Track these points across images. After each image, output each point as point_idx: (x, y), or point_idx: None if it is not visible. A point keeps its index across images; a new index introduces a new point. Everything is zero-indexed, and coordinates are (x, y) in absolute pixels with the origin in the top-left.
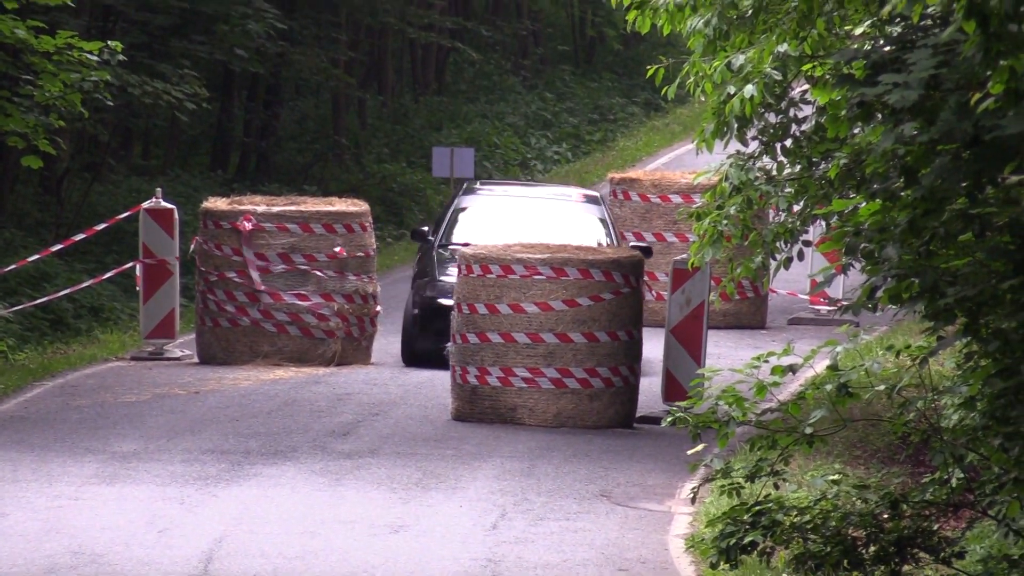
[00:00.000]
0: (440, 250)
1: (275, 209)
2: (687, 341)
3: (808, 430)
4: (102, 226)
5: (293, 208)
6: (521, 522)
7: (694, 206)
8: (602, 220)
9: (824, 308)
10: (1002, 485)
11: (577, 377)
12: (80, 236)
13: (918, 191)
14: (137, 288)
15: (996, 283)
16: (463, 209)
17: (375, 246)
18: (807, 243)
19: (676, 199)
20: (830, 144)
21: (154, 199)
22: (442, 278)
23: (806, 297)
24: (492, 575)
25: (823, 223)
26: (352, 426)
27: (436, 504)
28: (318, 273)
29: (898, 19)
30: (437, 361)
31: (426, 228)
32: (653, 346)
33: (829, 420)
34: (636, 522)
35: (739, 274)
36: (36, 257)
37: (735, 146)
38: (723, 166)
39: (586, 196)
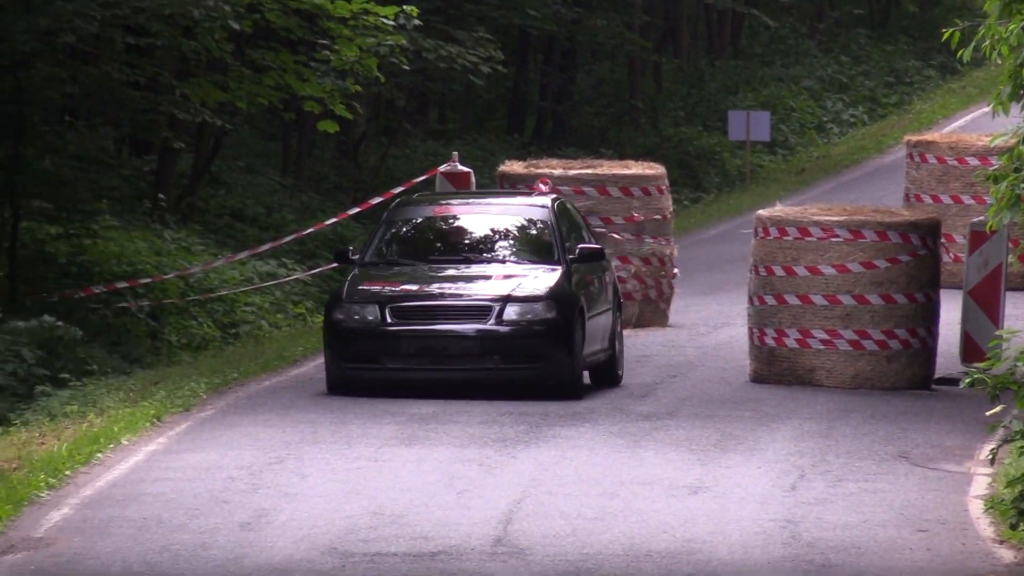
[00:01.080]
0: (361, 269)
1: (572, 172)
2: (985, 303)
3: None
4: (399, 189)
5: (589, 171)
6: (820, 483)
7: (991, 169)
8: (545, 223)
9: None
10: None
11: (875, 339)
12: (377, 199)
13: None
14: None
15: None
16: (391, 226)
17: (672, 209)
18: None
19: (973, 162)
20: None
21: (450, 163)
22: (350, 299)
23: None
24: (791, 536)
25: None
26: (651, 388)
27: (735, 465)
28: (615, 236)
29: None
30: (360, 389)
31: (351, 248)
32: (950, 308)
33: None
34: (935, 483)
35: None
36: (333, 220)
37: None
38: (1020, 129)
39: (529, 203)
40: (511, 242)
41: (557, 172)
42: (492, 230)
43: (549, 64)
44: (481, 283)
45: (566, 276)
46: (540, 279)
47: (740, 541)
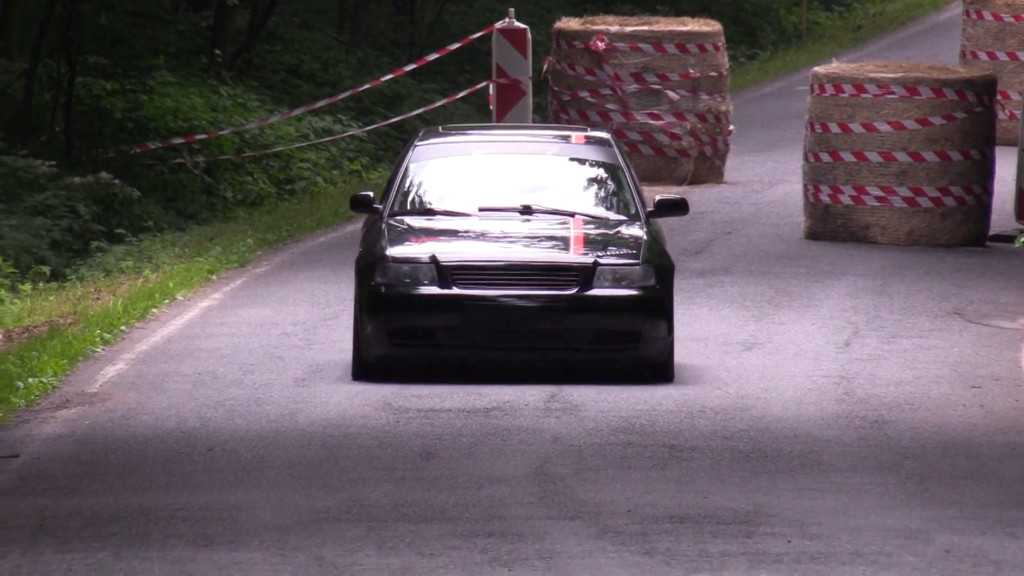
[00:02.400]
0: (392, 221)
1: (628, 29)
2: None
3: None
4: (455, 46)
5: (646, 28)
6: (873, 340)
7: None
8: (613, 167)
9: None
10: None
11: (929, 196)
12: (433, 56)
13: None
14: (490, 107)
15: None
16: (420, 166)
17: (727, 66)
18: None
19: None
20: None
21: (507, 19)
22: (394, 255)
23: None
24: (844, 392)
25: None
26: (705, 245)
27: (788, 322)
28: (670, 93)
29: None
30: (395, 374)
31: (370, 193)
32: (1005, 165)
33: None
34: (989, 339)
35: None
36: (389, 77)
37: None
38: None
39: (589, 139)
40: (576, 189)
41: (613, 29)
42: (551, 174)
43: None
44: (558, 241)
45: (652, 234)
46: (627, 238)
47: (793, 397)
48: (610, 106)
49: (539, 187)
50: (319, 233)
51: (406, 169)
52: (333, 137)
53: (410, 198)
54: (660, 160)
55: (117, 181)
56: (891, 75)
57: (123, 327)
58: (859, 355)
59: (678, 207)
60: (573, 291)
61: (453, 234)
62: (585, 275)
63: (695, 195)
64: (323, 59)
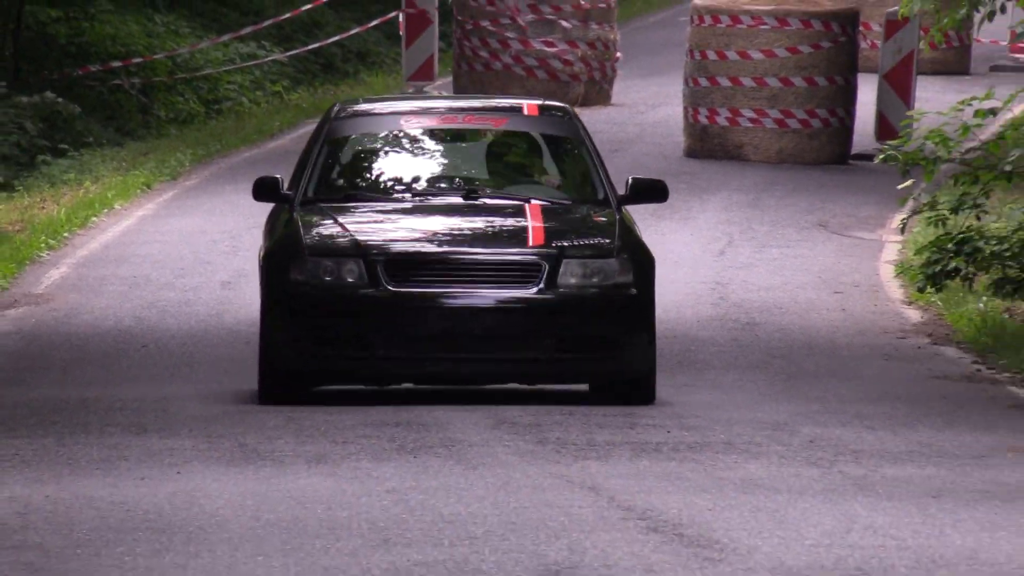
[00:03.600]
0: (306, 209)
1: None
2: (898, 86)
3: (1008, 167)
4: None
5: None
6: (746, 249)
7: None
8: (574, 142)
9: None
10: None
11: (798, 118)
12: None
13: None
14: (400, 34)
15: None
16: (339, 144)
17: None
18: None
19: None
20: None
21: None
22: (312, 247)
23: (1007, 45)
24: (719, 297)
25: None
26: None
27: (669, 233)
28: (563, 23)
29: None
30: (310, 393)
31: (277, 177)
32: (866, 91)
33: None
34: (850, 249)
35: (946, 24)
36: (308, 7)
37: None
38: None
39: (543, 109)
40: (531, 169)
41: None
42: (498, 151)
43: None
44: (513, 230)
45: (625, 222)
46: (596, 226)
47: (673, 301)
48: (509, 35)
49: (485, 167)
50: (244, 149)
51: (321, 148)
52: (257, 62)
53: (327, 182)
54: (554, 84)
55: (61, 100)
56: (764, 8)
57: (66, 234)
58: (733, 263)
59: (656, 192)
60: (534, 289)
61: (384, 223)
62: (549, 270)
63: (585, 116)
64: None
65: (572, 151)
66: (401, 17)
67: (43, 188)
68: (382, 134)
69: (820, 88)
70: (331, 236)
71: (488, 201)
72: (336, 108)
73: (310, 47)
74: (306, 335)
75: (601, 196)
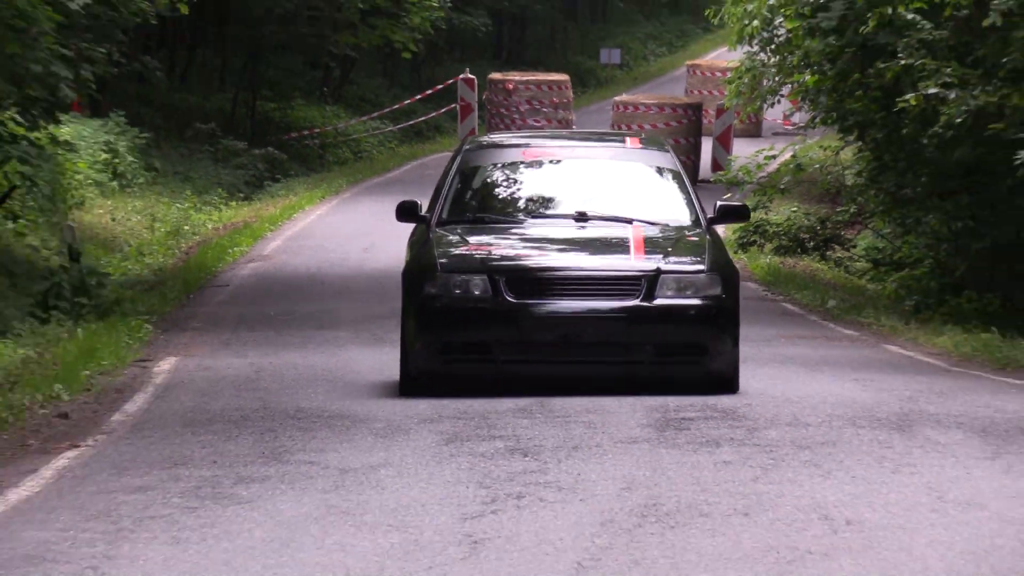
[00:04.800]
0: (441, 230)
1: (523, 77)
2: (723, 143)
3: (781, 187)
4: (441, 86)
5: (532, 77)
6: None
7: (726, 77)
8: (670, 171)
9: (791, 127)
10: (874, 214)
11: None
12: (429, 91)
13: (835, 70)
14: (456, 115)
15: (874, 113)
16: (469, 173)
17: (571, 96)
18: (781, 95)
19: (719, 74)
20: (792, 47)
21: (466, 72)
22: (445, 265)
23: (781, 122)
24: None
25: (789, 86)
26: None
27: None
28: (544, 110)
29: None
30: (440, 388)
31: (416, 201)
32: (707, 146)
33: (793, 181)
34: None
35: (748, 110)
36: (408, 102)
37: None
38: (743, 59)
39: (643, 142)
40: (632, 194)
41: (516, 77)
42: (607, 180)
43: None
44: (617, 249)
45: (714, 241)
46: (689, 244)
47: None
48: (515, 116)
49: (593, 192)
50: (373, 178)
51: (454, 176)
52: (381, 131)
53: (459, 206)
54: None
55: (276, 152)
56: (651, 101)
57: (281, 222)
58: None
59: (740, 213)
60: (635, 301)
61: (506, 243)
62: (648, 284)
63: None
64: (375, 92)
65: (667, 178)
66: (457, 107)
67: (267, 199)
68: (505, 163)
69: (681, 144)
70: (460, 255)
71: (596, 223)
72: (467, 141)
73: (409, 123)
74: (437, 342)
75: (693, 218)
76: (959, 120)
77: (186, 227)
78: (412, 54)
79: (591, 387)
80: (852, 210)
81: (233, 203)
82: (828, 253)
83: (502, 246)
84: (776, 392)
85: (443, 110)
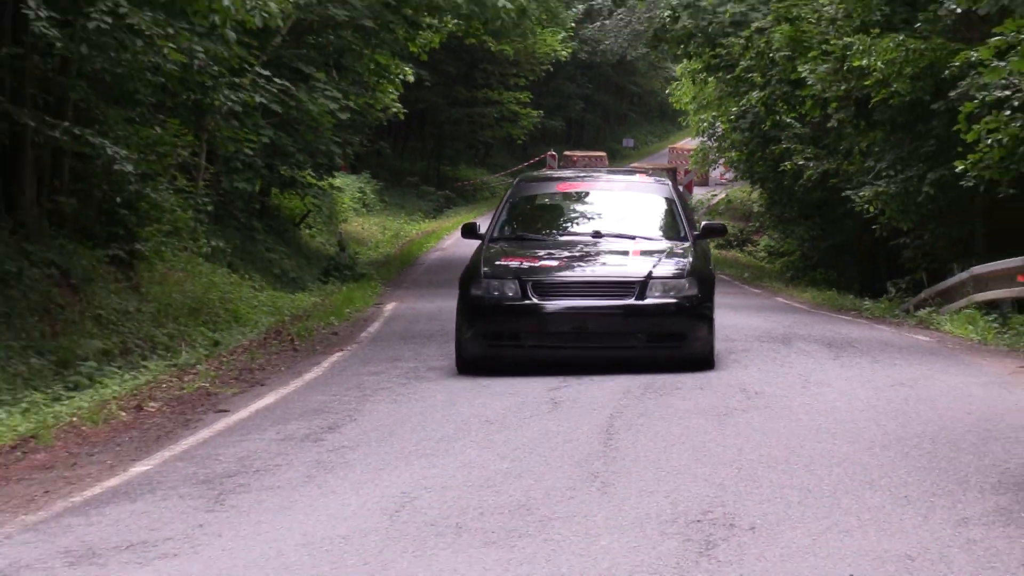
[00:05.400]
0: (490, 245)
1: (581, 153)
2: (689, 189)
3: (720, 211)
4: (530, 161)
5: (586, 153)
6: None
7: (691, 152)
8: (667, 199)
9: (724, 180)
10: (768, 227)
11: None
12: (522, 165)
13: (748, 150)
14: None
15: (769, 172)
16: (516, 201)
17: (607, 163)
18: (719, 163)
19: (687, 151)
20: (725, 137)
21: (552, 153)
22: (487, 272)
23: (719, 177)
24: None
25: (723, 158)
26: None
27: None
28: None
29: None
30: (488, 368)
31: (476, 222)
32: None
33: (727, 209)
34: None
35: (701, 171)
36: (501, 174)
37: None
38: (698, 144)
39: (649, 177)
40: (638, 217)
41: (578, 153)
42: (618, 206)
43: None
44: (620, 259)
45: (697, 252)
46: (676, 256)
47: None
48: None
49: (608, 215)
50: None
51: (505, 203)
52: (505, 181)
53: (506, 226)
54: None
55: (450, 192)
56: (650, 166)
57: (453, 230)
58: None
59: (718, 231)
60: (630, 300)
61: (535, 255)
62: (640, 287)
63: None
64: (502, 161)
65: (664, 205)
66: (545, 169)
67: (444, 218)
68: (544, 193)
69: None
70: (500, 265)
71: (608, 239)
72: (519, 179)
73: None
74: (480, 331)
75: (682, 235)
76: (815, 177)
77: (401, 233)
78: (523, 141)
79: (599, 368)
80: (756, 225)
81: (426, 220)
82: (745, 248)
83: (532, 258)
84: (717, 323)
85: (524, 164)
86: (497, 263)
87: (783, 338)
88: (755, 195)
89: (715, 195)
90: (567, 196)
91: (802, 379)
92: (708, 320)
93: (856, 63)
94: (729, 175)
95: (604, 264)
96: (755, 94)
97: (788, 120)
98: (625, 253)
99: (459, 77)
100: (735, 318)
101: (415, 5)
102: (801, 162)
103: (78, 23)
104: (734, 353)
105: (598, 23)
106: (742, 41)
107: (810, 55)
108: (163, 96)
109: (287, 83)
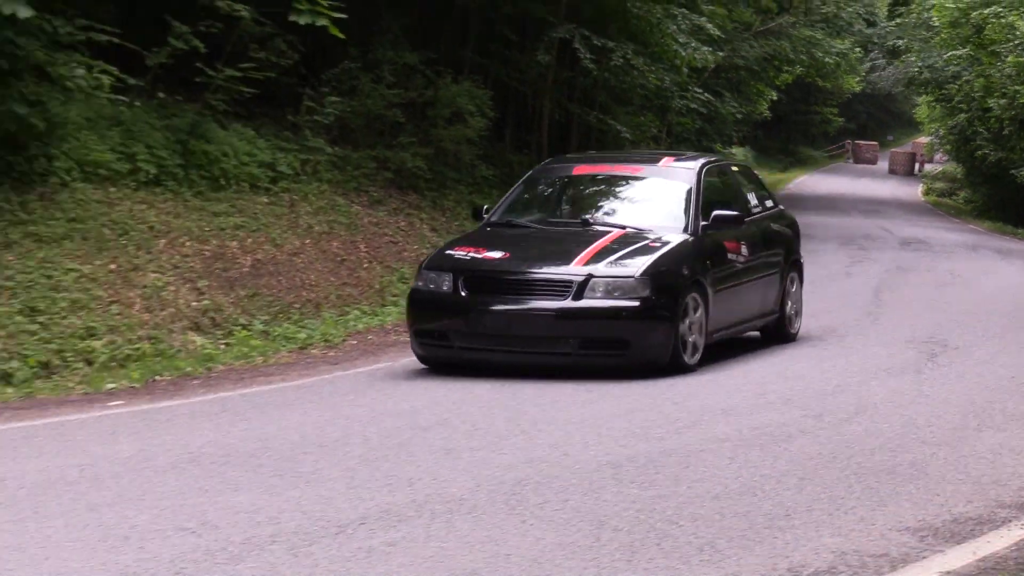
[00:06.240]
0: (479, 229)
1: (865, 142)
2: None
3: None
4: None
5: (868, 142)
6: None
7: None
8: (683, 187)
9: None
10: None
11: None
12: None
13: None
14: None
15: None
16: (528, 185)
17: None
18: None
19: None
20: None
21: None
22: (428, 263)
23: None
24: None
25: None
26: None
27: None
28: None
29: None
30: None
31: (483, 206)
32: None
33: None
34: None
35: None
36: None
37: None
38: (929, 141)
39: (674, 162)
40: (640, 207)
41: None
42: (625, 194)
43: None
44: (573, 254)
45: (694, 246)
46: (646, 252)
47: None
48: None
49: (610, 202)
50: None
51: (518, 187)
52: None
53: (506, 212)
54: None
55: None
56: (900, 151)
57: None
58: None
59: (731, 221)
60: (564, 302)
61: (494, 245)
62: (578, 287)
63: None
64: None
65: (678, 193)
66: (846, 146)
67: (786, 174)
68: (558, 177)
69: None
70: (445, 256)
71: (593, 228)
72: (550, 159)
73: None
74: (414, 329)
75: (684, 225)
76: (992, 160)
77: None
78: (833, 134)
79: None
80: (959, 185)
81: (777, 173)
82: (952, 197)
83: (486, 248)
84: (928, 240)
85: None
86: (446, 252)
87: (972, 246)
88: (959, 169)
89: (938, 167)
90: (579, 180)
91: (984, 269)
92: (666, 322)
93: (1021, 101)
94: (945, 158)
95: (549, 260)
96: (962, 116)
97: (980, 130)
98: (586, 246)
99: (800, 97)
100: (943, 235)
101: (779, 60)
102: (984, 152)
103: (604, 62)
104: (945, 252)
105: (876, 73)
106: (956, 86)
107: (994, 95)
108: (645, 100)
109: (710, 96)
